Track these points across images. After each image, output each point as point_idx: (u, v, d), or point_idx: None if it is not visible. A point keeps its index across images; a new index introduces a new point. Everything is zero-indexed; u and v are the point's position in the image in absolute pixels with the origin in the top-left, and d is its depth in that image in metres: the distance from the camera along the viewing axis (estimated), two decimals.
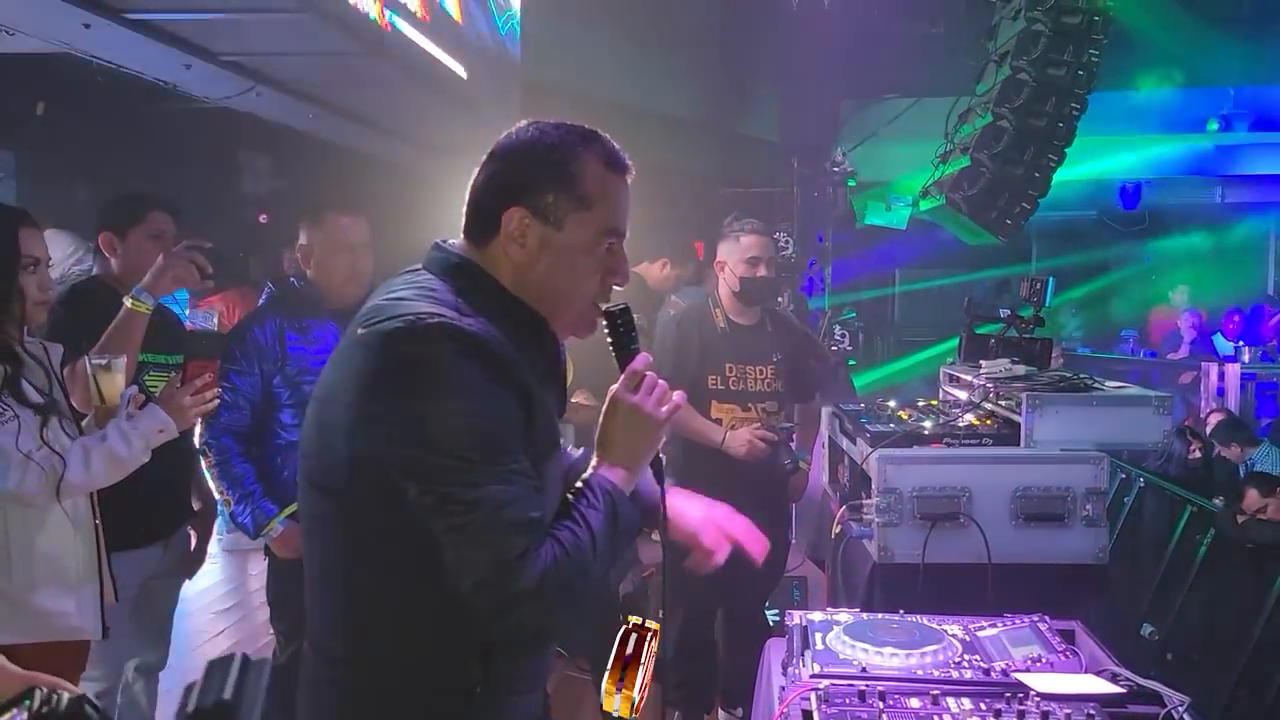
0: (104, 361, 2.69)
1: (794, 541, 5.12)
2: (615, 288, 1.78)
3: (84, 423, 2.71)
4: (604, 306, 1.76)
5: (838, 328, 7.00)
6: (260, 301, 3.47)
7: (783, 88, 7.57)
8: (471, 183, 1.74)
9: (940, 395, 4.16)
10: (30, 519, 2.49)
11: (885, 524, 3.16)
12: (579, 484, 1.70)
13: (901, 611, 2.41)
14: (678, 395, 1.80)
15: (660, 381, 1.78)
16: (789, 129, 7.56)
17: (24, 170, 6.05)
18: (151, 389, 3.13)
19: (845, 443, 3.80)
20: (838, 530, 3.39)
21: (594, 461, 1.75)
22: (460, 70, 5.09)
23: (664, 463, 1.85)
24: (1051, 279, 3.99)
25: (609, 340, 1.79)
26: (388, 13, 4.24)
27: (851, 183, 7.43)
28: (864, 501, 3.31)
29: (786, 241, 7.01)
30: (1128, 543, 5.87)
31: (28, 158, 6.04)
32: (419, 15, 4.62)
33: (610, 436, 1.75)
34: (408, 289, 1.65)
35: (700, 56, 7.64)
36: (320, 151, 5.46)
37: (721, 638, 4.03)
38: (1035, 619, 2.35)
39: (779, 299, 6.79)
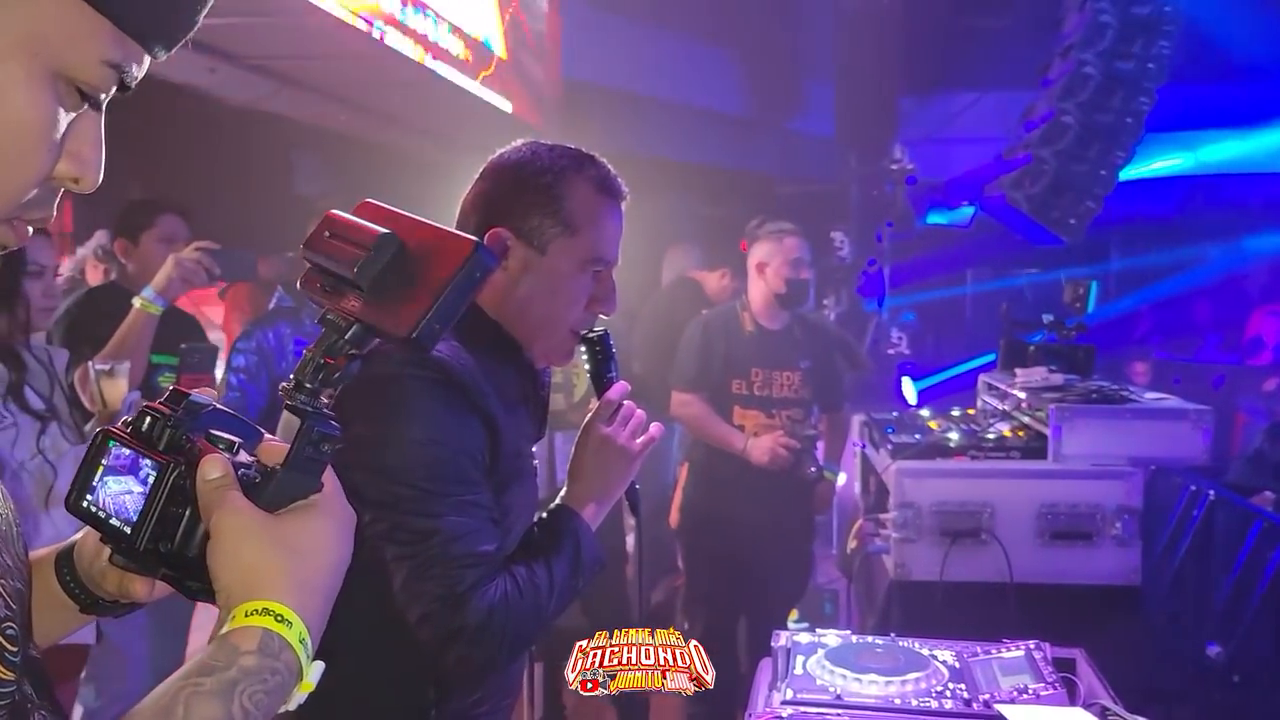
0: (107, 367, 2.71)
1: (834, 554, 4.99)
2: (602, 315, 1.71)
3: (86, 427, 2.73)
4: (583, 332, 1.69)
5: (894, 330, 6.82)
6: (271, 306, 3.47)
7: (839, 83, 7.39)
8: (461, 200, 1.70)
9: (978, 405, 4.01)
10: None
11: (902, 539, 3.05)
12: (543, 515, 1.65)
13: (892, 635, 2.30)
14: (654, 428, 1.73)
15: (638, 411, 1.71)
16: (845, 125, 7.38)
17: None
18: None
19: (871, 453, 3.69)
20: (854, 545, 3.28)
21: (563, 492, 1.68)
22: (506, 105, 5.06)
23: (638, 493, 1.77)
24: (1095, 283, 3.83)
25: (587, 367, 1.73)
26: (428, 58, 4.24)
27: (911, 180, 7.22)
28: (881, 515, 3.20)
29: (841, 241, 6.85)
30: (1196, 559, 5.61)
31: None
32: (462, 58, 4.61)
33: (581, 468, 1.68)
34: None
35: (752, 52, 7.48)
36: (361, 151, 5.49)
37: (744, 650, 3.93)
38: (1033, 645, 2.22)
39: (829, 300, 6.66)
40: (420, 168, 5.92)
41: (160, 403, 0.90)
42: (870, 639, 2.30)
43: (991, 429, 3.43)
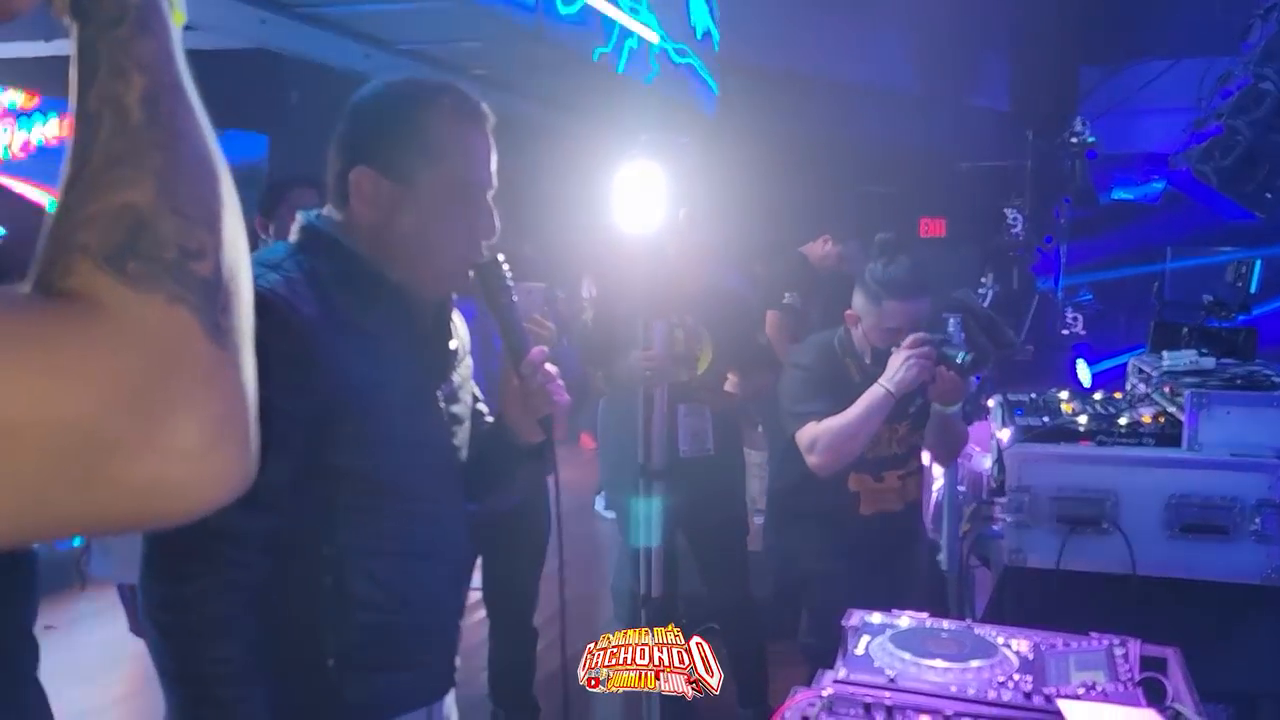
0: None
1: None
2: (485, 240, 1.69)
3: None
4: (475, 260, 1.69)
5: (1069, 310, 6.50)
6: None
7: (1015, 55, 7.05)
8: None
9: (1126, 388, 3.80)
10: None
11: (1016, 524, 2.94)
12: None
13: (968, 621, 2.24)
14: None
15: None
16: (1022, 99, 7.03)
17: (277, 150, 6.79)
18: None
19: (999, 434, 3.55)
20: (967, 528, 3.19)
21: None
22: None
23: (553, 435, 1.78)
24: (1260, 261, 3.55)
25: (483, 296, 1.72)
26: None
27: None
28: (997, 499, 3.09)
29: (1015, 219, 6.57)
30: None
31: (282, 140, 6.77)
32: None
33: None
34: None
35: (922, 26, 7.24)
36: (527, 132, 5.64)
37: None
38: (1117, 641, 2.11)
39: (986, 279, 6.37)
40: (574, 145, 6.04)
41: None
42: (945, 623, 2.24)
43: (1128, 414, 3.25)
